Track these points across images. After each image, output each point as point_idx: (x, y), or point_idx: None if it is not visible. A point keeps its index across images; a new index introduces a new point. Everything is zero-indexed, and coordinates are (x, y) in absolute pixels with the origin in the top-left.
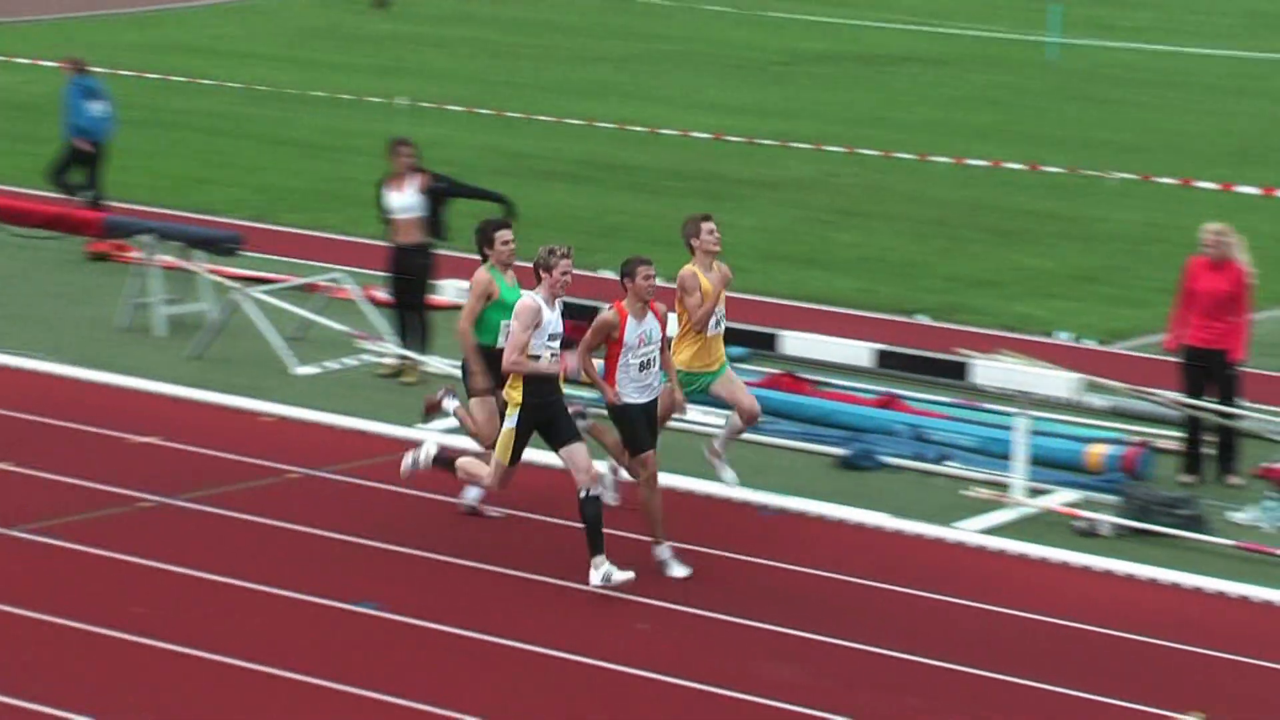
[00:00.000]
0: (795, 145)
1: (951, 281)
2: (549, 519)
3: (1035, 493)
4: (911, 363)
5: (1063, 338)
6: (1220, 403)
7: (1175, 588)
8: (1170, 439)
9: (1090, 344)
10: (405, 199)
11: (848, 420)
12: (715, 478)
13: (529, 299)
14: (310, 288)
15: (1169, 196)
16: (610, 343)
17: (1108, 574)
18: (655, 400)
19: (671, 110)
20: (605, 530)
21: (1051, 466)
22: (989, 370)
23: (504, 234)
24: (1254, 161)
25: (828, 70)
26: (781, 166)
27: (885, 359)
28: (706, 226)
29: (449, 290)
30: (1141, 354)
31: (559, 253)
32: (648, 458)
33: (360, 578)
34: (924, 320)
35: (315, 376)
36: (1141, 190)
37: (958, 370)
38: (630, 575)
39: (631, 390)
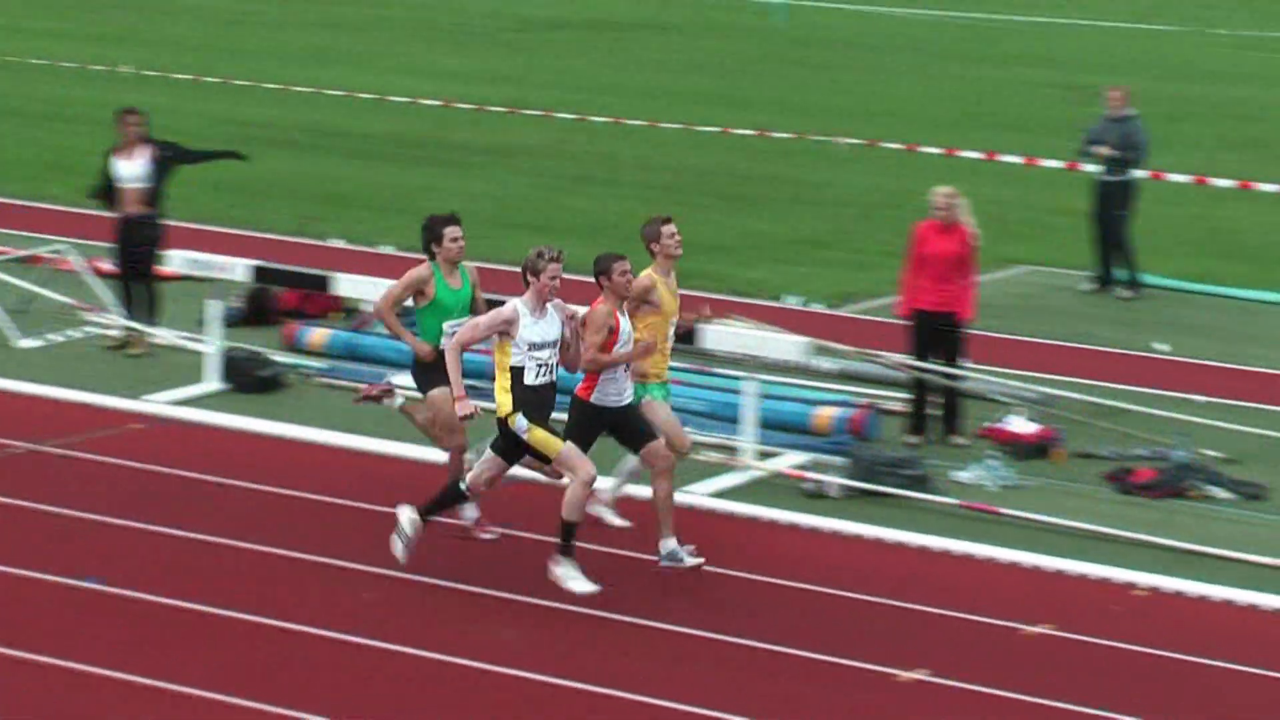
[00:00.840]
0: (526, 112)
1: (682, 247)
2: (275, 490)
3: (764, 455)
4: None
5: (791, 302)
6: (945, 364)
7: (901, 547)
8: (896, 401)
9: (818, 308)
10: (134, 168)
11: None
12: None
13: (508, 308)
14: (33, 259)
15: (895, 161)
16: (606, 343)
17: (835, 535)
18: (628, 406)
19: (401, 77)
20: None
21: (780, 429)
22: (719, 335)
23: (453, 230)
24: (976, 126)
25: (559, 37)
26: (512, 133)
27: None
28: (667, 230)
29: (176, 260)
30: (869, 317)
31: (547, 256)
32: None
33: (86, 553)
34: None
35: (39, 349)
36: (868, 155)
37: (687, 335)
38: (403, 556)
39: (612, 392)
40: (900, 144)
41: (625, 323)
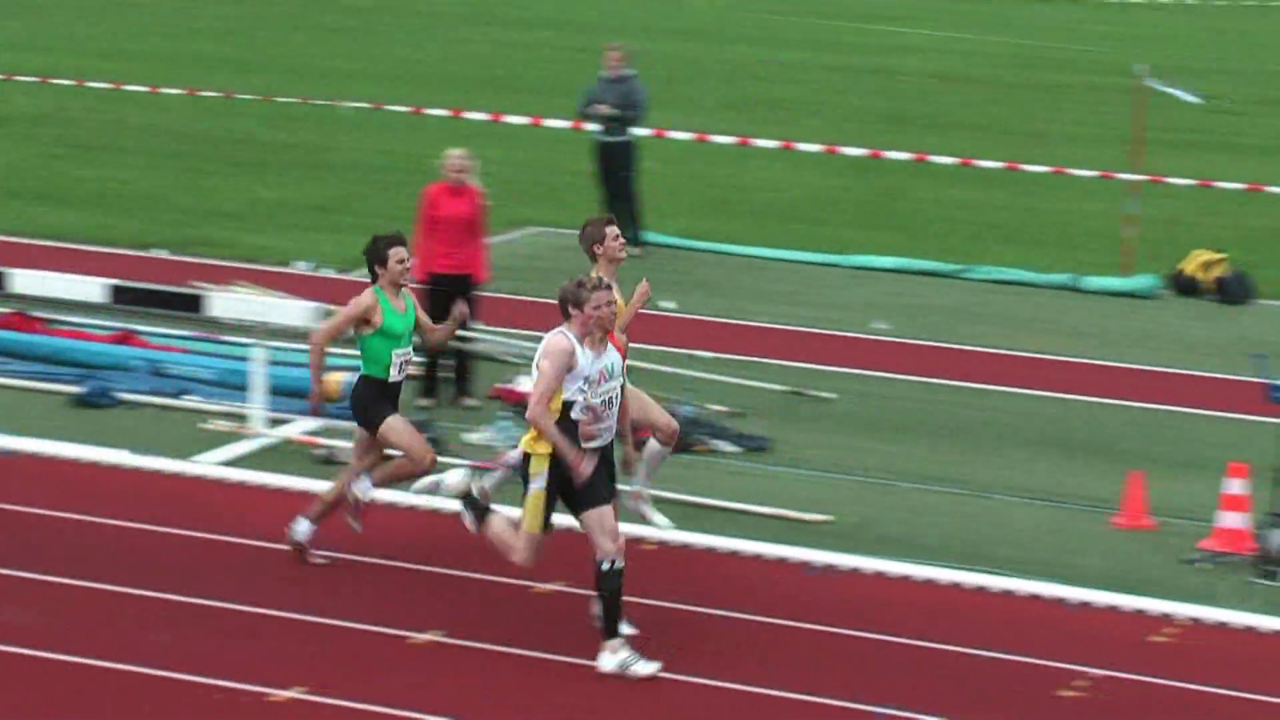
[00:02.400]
0: (22, 79)
1: (189, 214)
2: None
3: (276, 423)
4: (147, 297)
5: (301, 267)
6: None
7: (413, 510)
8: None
9: (329, 273)
10: None
11: (82, 357)
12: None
13: (560, 337)
14: None
15: (401, 124)
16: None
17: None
18: (609, 446)
19: None
20: None
21: (290, 396)
22: (225, 302)
23: (399, 251)
24: (483, 88)
25: (55, 1)
26: (8, 101)
27: (120, 294)
28: (611, 232)
29: None
30: None
31: (589, 285)
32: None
33: None
34: (162, 254)
35: None
36: (374, 119)
37: (194, 303)
38: (655, 667)
39: (595, 433)
40: (406, 107)
41: (592, 365)
